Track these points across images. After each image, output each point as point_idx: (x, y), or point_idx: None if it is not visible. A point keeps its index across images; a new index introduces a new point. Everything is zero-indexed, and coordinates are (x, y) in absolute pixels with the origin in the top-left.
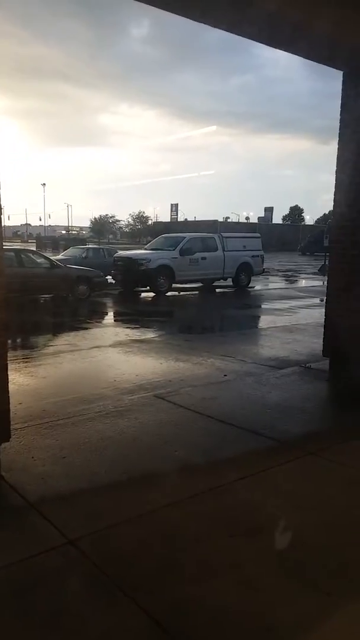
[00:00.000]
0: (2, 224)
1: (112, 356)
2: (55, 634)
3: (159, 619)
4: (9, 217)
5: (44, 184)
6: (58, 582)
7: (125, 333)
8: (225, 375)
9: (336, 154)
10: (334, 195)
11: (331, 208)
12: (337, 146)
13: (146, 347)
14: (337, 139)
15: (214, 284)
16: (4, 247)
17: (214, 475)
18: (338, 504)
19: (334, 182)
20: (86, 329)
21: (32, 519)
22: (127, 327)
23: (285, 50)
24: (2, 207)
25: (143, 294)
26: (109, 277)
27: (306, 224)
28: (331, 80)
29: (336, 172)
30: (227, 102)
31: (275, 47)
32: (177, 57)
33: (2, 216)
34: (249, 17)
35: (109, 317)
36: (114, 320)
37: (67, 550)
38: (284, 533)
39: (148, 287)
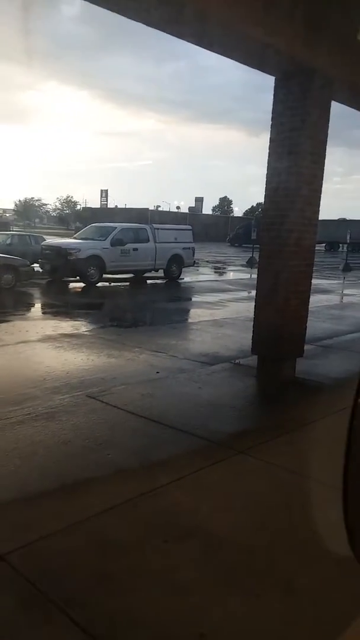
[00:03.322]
0: None
1: (41, 352)
2: None
3: (94, 633)
4: None
5: None
6: None
7: (55, 326)
8: (157, 372)
9: (267, 159)
10: (264, 198)
11: (259, 200)
12: (268, 142)
13: (77, 342)
14: (268, 132)
15: (145, 275)
16: None
17: (147, 479)
18: (267, 504)
19: (265, 183)
20: (12, 321)
21: None
22: (56, 320)
23: (215, 52)
24: None
25: (72, 285)
26: (36, 265)
27: (235, 215)
28: (263, 74)
29: (266, 181)
30: (160, 88)
31: (206, 49)
32: (109, 38)
33: None
34: (173, 15)
35: (37, 309)
36: (42, 313)
37: None
38: (215, 535)
39: (78, 278)
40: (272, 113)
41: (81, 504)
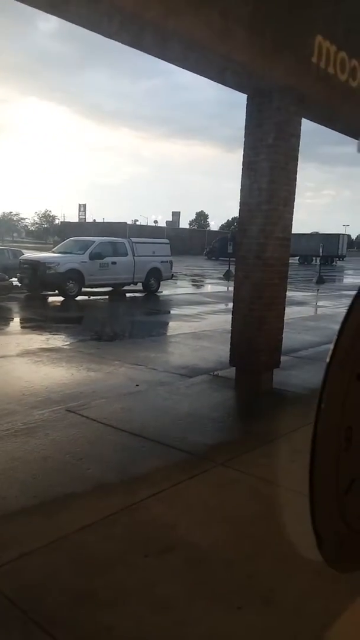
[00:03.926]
0: None
1: (20, 367)
2: None
3: None
4: None
5: None
6: None
7: (33, 341)
8: (137, 385)
9: (240, 174)
10: (239, 213)
11: (235, 214)
12: (241, 158)
13: (56, 356)
14: (242, 149)
15: (124, 288)
16: None
17: (127, 494)
18: (246, 515)
19: (239, 201)
20: None
21: None
22: (35, 334)
23: (185, 69)
24: None
25: (51, 299)
26: (14, 279)
27: (211, 229)
28: (236, 92)
29: (240, 195)
30: (137, 104)
31: (178, 66)
32: (87, 55)
33: None
34: (140, 36)
35: (15, 324)
36: (21, 327)
37: None
38: (196, 549)
39: (57, 292)
40: (244, 130)
41: (61, 520)
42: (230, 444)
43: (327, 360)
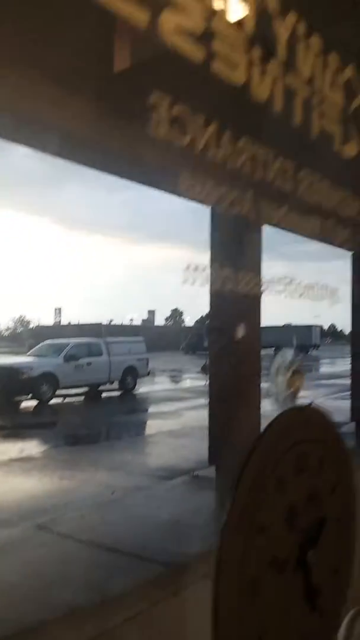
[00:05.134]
0: None
1: None
2: None
3: None
4: None
5: None
6: None
7: (4, 450)
8: (112, 493)
9: (209, 278)
10: (209, 311)
11: (208, 310)
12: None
13: (28, 466)
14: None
15: (100, 388)
16: None
17: (100, 619)
18: None
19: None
20: None
21: None
22: (5, 444)
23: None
24: None
25: (24, 404)
26: None
27: (187, 325)
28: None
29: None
30: (110, 214)
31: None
32: (63, 172)
33: None
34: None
35: None
36: None
37: None
38: None
39: (30, 396)
40: (210, 241)
41: None
42: (214, 553)
43: (222, 523)
